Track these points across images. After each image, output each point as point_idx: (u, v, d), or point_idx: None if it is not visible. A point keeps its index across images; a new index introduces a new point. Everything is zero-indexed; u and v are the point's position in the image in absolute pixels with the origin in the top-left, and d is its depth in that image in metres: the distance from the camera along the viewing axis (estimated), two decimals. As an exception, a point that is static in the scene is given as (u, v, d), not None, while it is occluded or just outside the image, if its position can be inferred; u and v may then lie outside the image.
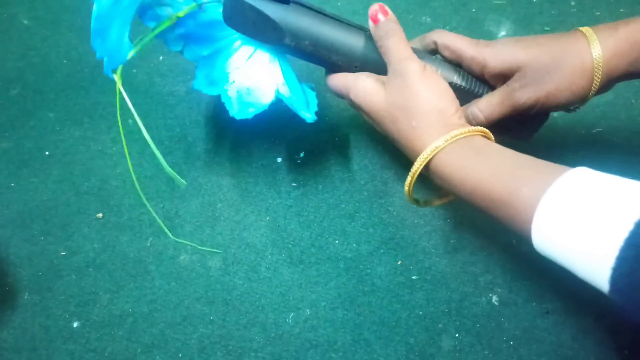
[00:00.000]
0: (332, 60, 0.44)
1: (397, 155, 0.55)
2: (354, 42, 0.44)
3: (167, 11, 0.46)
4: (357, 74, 0.44)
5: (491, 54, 0.43)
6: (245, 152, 0.56)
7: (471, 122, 0.44)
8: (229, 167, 0.55)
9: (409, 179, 0.41)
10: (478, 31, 0.64)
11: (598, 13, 0.65)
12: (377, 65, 0.44)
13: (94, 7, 0.40)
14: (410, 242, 0.51)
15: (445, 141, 0.39)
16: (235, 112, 0.46)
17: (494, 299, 0.48)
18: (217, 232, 0.51)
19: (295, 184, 0.54)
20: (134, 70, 0.61)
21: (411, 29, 0.65)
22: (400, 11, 0.66)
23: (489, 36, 0.64)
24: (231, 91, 0.47)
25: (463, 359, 0.45)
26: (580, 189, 0.32)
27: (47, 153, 0.56)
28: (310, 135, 0.57)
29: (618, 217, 0.30)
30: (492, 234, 0.51)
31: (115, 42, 0.43)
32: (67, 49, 0.64)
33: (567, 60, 0.41)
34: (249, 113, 0.45)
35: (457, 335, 0.46)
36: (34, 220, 0.52)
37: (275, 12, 0.43)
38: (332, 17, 0.44)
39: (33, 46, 0.64)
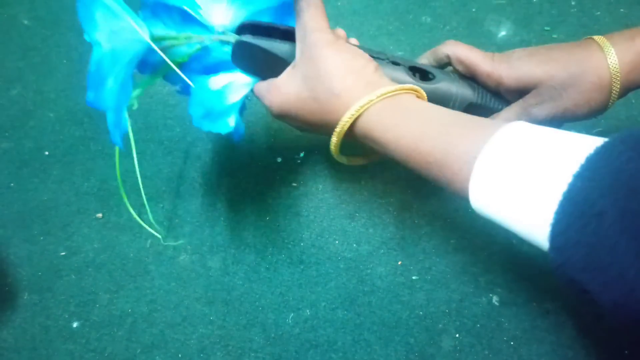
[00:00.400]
0: None
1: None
2: None
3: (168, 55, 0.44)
4: (271, 80, 0.42)
5: (507, 71, 0.42)
6: (245, 152, 0.56)
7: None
8: (229, 167, 0.55)
9: (333, 139, 0.40)
10: (478, 31, 0.64)
11: (598, 13, 0.65)
12: None
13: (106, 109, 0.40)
14: (410, 242, 0.51)
15: (370, 101, 0.37)
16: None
17: (494, 299, 0.48)
18: (217, 232, 0.51)
19: (295, 184, 0.54)
20: (134, 70, 0.61)
21: (411, 29, 0.65)
22: (401, 11, 0.66)
23: (489, 36, 0.64)
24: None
25: (463, 359, 0.45)
26: (518, 144, 0.31)
27: (47, 153, 0.56)
28: (310, 135, 0.57)
29: (556, 171, 0.29)
30: (492, 234, 0.51)
31: (114, 121, 0.41)
32: (67, 49, 0.64)
33: (585, 76, 0.40)
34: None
35: (457, 335, 0.46)
36: (34, 220, 0.52)
37: (285, 51, 0.42)
38: None
39: (33, 46, 0.64)
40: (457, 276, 0.49)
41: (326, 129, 0.41)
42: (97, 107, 0.41)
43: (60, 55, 0.63)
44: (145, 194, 0.53)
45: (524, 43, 0.63)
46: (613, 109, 0.57)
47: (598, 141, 0.29)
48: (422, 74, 0.45)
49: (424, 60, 0.47)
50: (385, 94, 0.37)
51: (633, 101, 0.58)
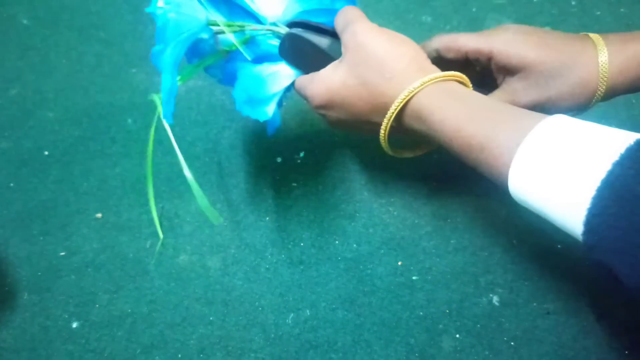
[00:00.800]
0: None
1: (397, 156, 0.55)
2: None
3: (216, 46, 0.46)
4: (314, 74, 0.43)
5: (500, 47, 0.42)
6: (245, 152, 0.56)
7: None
8: (229, 167, 0.55)
9: (385, 122, 0.40)
10: (478, 30, 0.64)
11: (598, 13, 0.65)
12: None
13: (164, 79, 0.41)
14: (410, 242, 0.50)
15: (423, 83, 0.38)
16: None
17: (495, 299, 0.48)
18: (216, 232, 0.51)
19: (295, 184, 0.54)
20: (134, 70, 0.61)
21: (411, 29, 0.65)
22: (401, 10, 0.66)
23: (489, 36, 0.63)
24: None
25: (464, 359, 0.45)
26: (558, 135, 0.32)
27: (46, 153, 0.56)
28: (310, 135, 0.57)
29: (596, 159, 0.30)
30: (492, 234, 0.51)
31: (170, 86, 0.42)
32: (66, 48, 0.64)
33: (574, 69, 0.41)
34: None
35: (457, 335, 0.46)
36: (33, 220, 0.52)
37: (332, 48, 0.43)
38: None
39: (33, 46, 0.64)
40: (457, 276, 0.49)
41: (373, 115, 0.41)
42: (156, 64, 0.42)
43: (60, 55, 0.63)
44: (145, 194, 0.53)
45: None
46: (613, 109, 0.57)
47: (638, 135, 0.30)
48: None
49: None
50: (437, 77, 0.38)
51: (633, 101, 0.58)
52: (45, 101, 0.60)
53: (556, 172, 0.31)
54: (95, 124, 0.58)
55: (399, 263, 0.49)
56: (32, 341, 0.46)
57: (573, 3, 0.66)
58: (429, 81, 0.38)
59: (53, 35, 0.65)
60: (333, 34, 0.44)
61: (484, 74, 0.45)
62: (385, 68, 0.39)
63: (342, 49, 0.41)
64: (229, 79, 0.47)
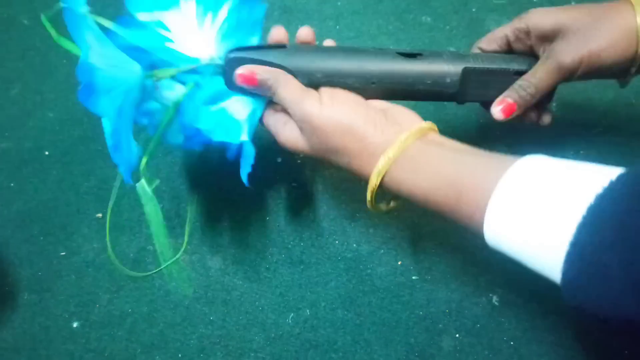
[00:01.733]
0: (348, 84, 0.42)
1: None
2: (365, 62, 0.42)
3: (163, 99, 0.43)
4: (285, 120, 0.42)
5: (533, 19, 0.43)
6: (245, 152, 0.56)
7: (523, 96, 0.43)
8: (229, 167, 0.55)
9: (368, 195, 0.40)
10: (478, 31, 0.64)
11: (598, 13, 0.65)
12: (394, 78, 0.42)
13: (105, 125, 0.39)
14: (410, 242, 0.51)
15: (379, 172, 0.38)
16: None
17: (495, 299, 0.48)
18: (217, 232, 0.51)
19: (295, 184, 0.54)
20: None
21: (411, 29, 0.65)
22: (401, 11, 0.66)
23: (489, 36, 0.64)
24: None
25: (463, 359, 0.45)
26: (529, 179, 0.32)
27: (46, 153, 0.56)
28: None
29: (570, 203, 0.29)
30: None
31: (126, 150, 0.41)
32: (66, 49, 0.64)
33: (610, 19, 0.41)
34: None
35: (457, 335, 0.46)
36: (33, 220, 0.52)
37: (278, 58, 0.41)
38: (332, 47, 0.44)
39: (33, 46, 0.64)
40: (457, 276, 0.49)
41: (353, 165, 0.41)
42: (92, 109, 0.40)
43: (60, 55, 0.63)
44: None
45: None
46: (613, 109, 0.57)
47: (605, 180, 0.29)
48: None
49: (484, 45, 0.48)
50: (391, 157, 0.38)
51: (633, 101, 0.58)
52: (45, 101, 0.60)
53: (530, 221, 0.31)
54: (96, 124, 0.58)
55: (399, 263, 0.49)
56: (33, 341, 0.47)
57: (573, 3, 0.66)
58: (382, 165, 0.38)
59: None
60: (275, 46, 0.42)
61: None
62: (340, 152, 0.39)
63: (297, 123, 0.41)
64: (191, 138, 0.44)
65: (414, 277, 0.49)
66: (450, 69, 0.43)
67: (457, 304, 0.47)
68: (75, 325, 0.47)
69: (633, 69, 0.42)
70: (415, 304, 0.47)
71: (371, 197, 0.40)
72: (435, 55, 0.44)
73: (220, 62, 0.42)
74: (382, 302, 0.48)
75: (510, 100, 0.43)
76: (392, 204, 0.43)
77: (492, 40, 0.46)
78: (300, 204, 0.53)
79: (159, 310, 0.48)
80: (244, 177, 0.44)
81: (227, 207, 0.53)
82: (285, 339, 0.46)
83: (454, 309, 0.47)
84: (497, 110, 0.43)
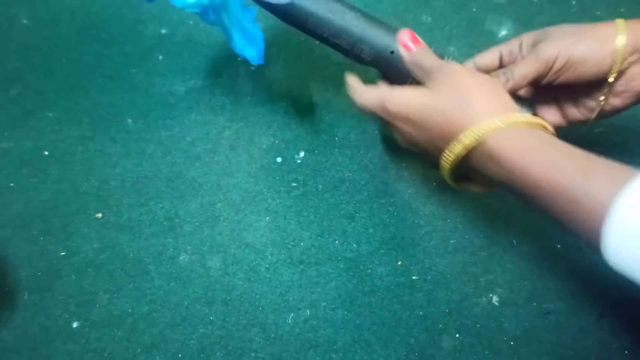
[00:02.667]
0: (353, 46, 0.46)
1: (397, 156, 0.55)
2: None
3: None
4: (391, 87, 0.43)
5: (526, 35, 0.46)
6: (245, 152, 0.56)
7: (502, 81, 0.44)
8: (228, 167, 0.55)
9: (457, 148, 0.38)
10: (478, 31, 0.64)
11: (598, 13, 0.65)
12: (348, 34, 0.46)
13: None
14: (410, 242, 0.51)
15: (505, 123, 0.36)
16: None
17: (495, 299, 0.48)
18: (216, 232, 0.51)
19: (295, 184, 0.54)
20: (134, 70, 0.61)
21: (411, 28, 0.65)
22: (401, 10, 0.66)
23: (489, 36, 0.64)
24: None
25: (463, 359, 0.45)
26: None
27: (46, 153, 0.56)
28: (310, 135, 0.57)
29: None
30: (492, 234, 0.51)
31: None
32: (67, 49, 0.64)
33: (592, 29, 0.42)
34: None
35: (457, 335, 0.46)
36: (33, 220, 0.52)
37: None
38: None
39: (33, 46, 0.64)
40: (457, 276, 0.49)
41: (445, 144, 0.39)
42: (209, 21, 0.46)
43: (60, 55, 0.63)
44: (145, 194, 0.53)
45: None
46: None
47: None
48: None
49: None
50: (520, 120, 0.36)
51: (633, 101, 0.57)
52: (45, 101, 0.60)
53: None
54: (96, 124, 0.58)
55: (399, 263, 0.49)
56: (33, 341, 0.47)
57: (573, 3, 0.66)
58: (513, 122, 0.36)
59: (53, 36, 0.65)
60: None
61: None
62: (469, 103, 0.38)
63: (433, 78, 0.41)
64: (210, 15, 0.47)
65: (414, 277, 0.49)
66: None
67: (457, 304, 0.47)
68: (75, 325, 0.47)
69: (601, 96, 0.44)
70: (415, 304, 0.47)
71: (455, 159, 0.38)
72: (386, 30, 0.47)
73: None
74: (382, 302, 0.48)
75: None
76: (475, 187, 0.42)
77: (487, 54, 0.47)
78: (300, 204, 0.53)
79: (159, 310, 0.48)
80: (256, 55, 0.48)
81: (227, 207, 0.53)
82: (286, 339, 0.46)
83: (454, 308, 0.47)
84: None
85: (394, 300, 0.48)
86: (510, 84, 0.44)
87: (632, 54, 0.42)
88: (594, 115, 0.46)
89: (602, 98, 0.45)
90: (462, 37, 0.63)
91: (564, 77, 0.43)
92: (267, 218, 0.52)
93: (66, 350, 0.46)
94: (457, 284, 0.48)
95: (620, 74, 0.43)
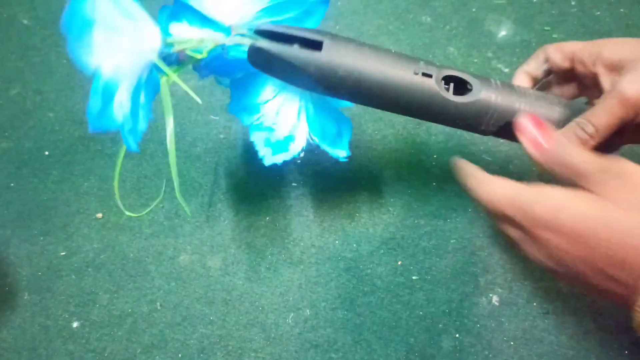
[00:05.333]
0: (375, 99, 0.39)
1: (398, 156, 0.55)
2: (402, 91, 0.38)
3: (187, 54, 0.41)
4: (531, 184, 0.33)
5: (606, 43, 0.37)
6: (245, 152, 0.56)
7: (581, 136, 0.36)
8: (228, 168, 0.55)
9: None
10: (478, 31, 0.64)
11: (598, 13, 0.65)
12: (431, 111, 0.39)
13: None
14: (410, 242, 0.51)
15: None
16: (264, 155, 0.44)
17: (494, 299, 0.48)
18: (217, 232, 0.51)
19: (295, 184, 0.54)
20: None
21: (411, 29, 0.65)
22: (401, 10, 0.66)
23: (489, 36, 0.64)
24: (259, 134, 0.45)
25: (463, 359, 0.45)
26: None
27: (46, 153, 0.56)
28: (310, 135, 0.57)
29: None
30: (492, 234, 0.51)
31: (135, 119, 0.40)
32: (67, 49, 0.64)
33: None
34: (278, 160, 0.44)
35: (457, 335, 0.46)
36: (33, 220, 0.52)
37: (301, 60, 0.38)
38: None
39: (33, 46, 0.64)
40: (457, 276, 0.49)
41: (616, 271, 0.30)
42: (103, 130, 0.39)
43: (60, 55, 0.63)
44: (145, 194, 0.53)
45: (524, 43, 0.63)
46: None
47: None
48: (457, 84, 0.40)
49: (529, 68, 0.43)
50: None
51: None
52: (45, 101, 0.60)
53: None
54: (96, 124, 0.58)
55: (399, 263, 0.50)
56: (33, 341, 0.47)
57: (573, 3, 0.66)
58: None
59: (53, 35, 0.65)
60: (304, 39, 0.39)
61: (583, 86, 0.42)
62: None
63: (596, 181, 0.32)
64: (205, 73, 0.45)
65: (414, 277, 0.49)
66: (496, 106, 0.39)
67: (457, 304, 0.47)
68: (75, 325, 0.47)
69: None
70: (415, 304, 0.48)
71: None
72: (486, 86, 0.39)
73: (248, 37, 0.40)
74: (382, 302, 0.48)
75: None
76: None
77: (558, 49, 0.40)
78: (300, 204, 0.53)
79: (159, 310, 0.48)
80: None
81: (227, 207, 0.53)
82: (285, 339, 0.46)
83: (454, 308, 0.47)
84: None
85: (394, 300, 0.48)
86: (596, 141, 0.36)
87: None
88: None
89: None
90: (462, 37, 0.64)
91: None
92: (267, 218, 0.52)
93: (66, 350, 0.46)
94: (457, 284, 0.48)
95: None
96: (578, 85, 0.42)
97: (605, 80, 0.38)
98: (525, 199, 0.33)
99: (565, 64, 0.40)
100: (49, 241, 0.51)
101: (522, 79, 0.43)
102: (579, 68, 0.40)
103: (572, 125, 0.36)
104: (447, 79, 0.39)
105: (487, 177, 0.36)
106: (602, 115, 0.35)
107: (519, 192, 0.33)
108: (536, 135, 0.34)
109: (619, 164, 0.32)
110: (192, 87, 0.60)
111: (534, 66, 0.43)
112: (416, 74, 0.39)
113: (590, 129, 0.36)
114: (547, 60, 0.42)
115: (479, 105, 0.39)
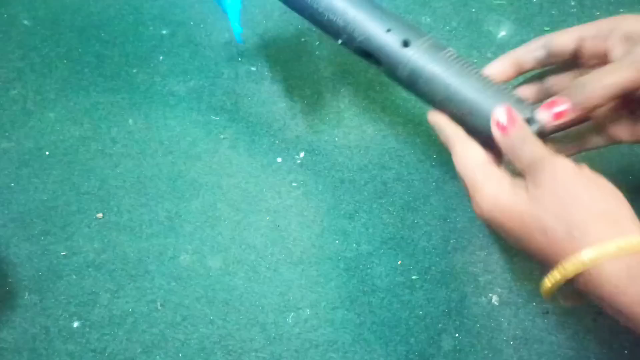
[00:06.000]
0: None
1: (398, 155, 0.55)
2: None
3: None
4: (485, 173, 0.36)
5: (625, 17, 0.36)
6: (245, 152, 0.56)
7: (579, 102, 0.35)
8: (229, 167, 0.55)
9: (551, 280, 0.33)
10: (478, 31, 0.64)
11: (598, 13, 0.65)
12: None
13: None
14: (410, 242, 0.51)
15: (618, 253, 0.30)
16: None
17: (494, 299, 0.48)
18: (217, 232, 0.51)
19: (295, 184, 0.54)
20: (134, 71, 0.61)
21: (411, 29, 0.65)
22: (401, 11, 0.66)
23: (489, 36, 0.64)
24: None
25: (463, 359, 0.45)
26: None
27: (47, 153, 0.56)
28: (310, 135, 0.57)
29: None
30: (492, 234, 0.51)
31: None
32: (67, 49, 0.64)
33: None
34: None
35: (457, 335, 0.46)
36: (34, 220, 0.52)
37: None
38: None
39: (33, 46, 0.64)
40: (456, 276, 0.49)
41: (540, 257, 0.34)
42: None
43: (60, 55, 0.63)
44: (145, 194, 0.54)
45: (524, 43, 0.63)
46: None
47: None
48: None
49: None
50: (633, 247, 0.30)
51: (633, 101, 0.58)
52: (45, 101, 0.60)
53: None
54: (96, 124, 0.58)
55: (399, 263, 0.50)
56: (33, 341, 0.47)
57: (572, 3, 0.66)
58: (626, 250, 0.30)
59: (53, 36, 0.65)
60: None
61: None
62: (575, 226, 0.32)
63: (532, 177, 0.34)
64: None
65: (414, 277, 0.49)
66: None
67: (456, 304, 0.48)
68: (75, 325, 0.47)
69: None
70: (415, 304, 0.48)
71: (554, 286, 0.33)
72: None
73: None
74: (382, 301, 0.48)
75: (563, 101, 0.36)
76: (572, 300, 0.36)
77: (562, 32, 0.39)
78: (300, 204, 0.53)
79: (159, 310, 0.48)
80: (236, 34, 0.47)
81: (227, 207, 0.53)
82: (286, 339, 0.46)
83: (454, 308, 0.47)
84: (545, 114, 0.36)
85: (393, 300, 0.48)
86: (597, 100, 0.35)
87: None
88: None
89: None
90: (462, 37, 0.64)
91: None
92: (267, 218, 0.52)
93: (66, 350, 0.46)
94: (456, 284, 0.48)
95: None
96: (575, 74, 0.40)
97: (618, 51, 0.36)
98: (480, 176, 0.36)
99: (570, 46, 0.38)
100: (49, 241, 0.51)
101: (501, 64, 0.41)
102: (587, 45, 0.38)
103: (572, 84, 0.36)
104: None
105: (463, 145, 0.37)
106: (610, 74, 0.34)
107: (477, 168, 0.36)
108: (504, 121, 0.36)
109: (554, 164, 0.33)
110: (192, 87, 0.60)
111: (522, 52, 0.41)
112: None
113: (591, 87, 0.35)
114: (546, 45, 0.39)
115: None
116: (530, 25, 0.64)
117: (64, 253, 0.51)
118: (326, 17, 0.41)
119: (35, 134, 0.57)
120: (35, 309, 0.48)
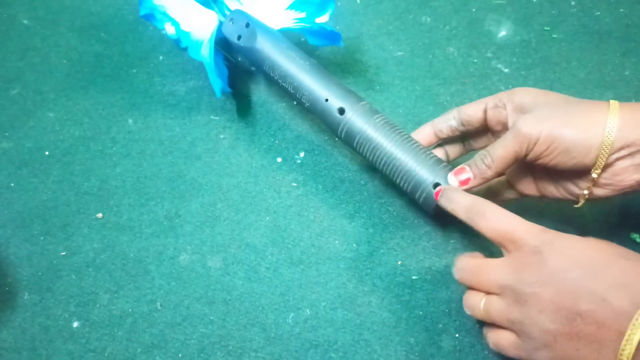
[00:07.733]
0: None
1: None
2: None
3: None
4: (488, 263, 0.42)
5: (516, 93, 0.44)
6: (245, 152, 0.56)
7: (480, 167, 0.43)
8: (229, 167, 0.55)
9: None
10: (478, 31, 0.64)
11: (598, 13, 0.65)
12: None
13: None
14: (410, 242, 0.51)
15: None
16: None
17: (494, 299, 0.48)
18: (217, 232, 0.51)
19: (295, 184, 0.54)
20: (134, 70, 0.62)
21: (411, 29, 0.65)
22: (400, 11, 0.66)
23: (489, 36, 0.64)
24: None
25: (463, 359, 0.45)
26: None
27: (46, 153, 0.56)
28: (310, 135, 0.57)
29: None
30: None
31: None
32: (67, 49, 0.64)
33: (581, 113, 0.40)
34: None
35: (457, 335, 0.46)
36: (33, 220, 0.52)
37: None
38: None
39: (33, 46, 0.64)
40: (457, 276, 0.49)
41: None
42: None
43: (60, 55, 0.63)
44: (145, 194, 0.54)
45: (524, 43, 0.63)
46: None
47: None
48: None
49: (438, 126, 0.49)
50: None
51: (633, 101, 0.58)
52: (45, 101, 0.60)
53: None
54: (96, 124, 0.58)
55: (399, 263, 0.50)
56: (33, 341, 0.47)
57: (573, 3, 0.66)
58: None
59: (53, 36, 0.65)
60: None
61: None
62: (605, 297, 0.33)
63: (512, 259, 0.40)
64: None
65: (414, 277, 0.49)
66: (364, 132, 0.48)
67: (456, 304, 0.48)
68: (75, 325, 0.47)
69: (584, 186, 0.42)
70: (415, 304, 0.48)
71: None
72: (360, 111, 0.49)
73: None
74: (382, 301, 0.48)
75: (467, 171, 0.44)
76: None
77: (471, 104, 0.47)
78: (300, 204, 0.53)
79: (159, 310, 0.48)
80: (216, 89, 0.54)
81: (227, 207, 0.53)
82: (286, 339, 0.46)
83: (454, 308, 0.47)
84: (453, 179, 0.44)
85: (393, 300, 0.48)
86: (493, 171, 0.42)
87: (620, 149, 0.39)
88: (578, 200, 0.44)
89: (585, 191, 0.42)
90: (462, 37, 0.64)
91: (542, 161, 0.41)
92: (267, 218, 0.52)
93: (66, 350, 0.46)
94: (457, 284, 0.48)
95: (606, 166, 0.40)
96: (489, 139, 0.48)
97: (511, 120, 0.44)
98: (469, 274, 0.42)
99: (478, 115, 0.46)
100: (49, 241, 0.51)
101: (424, 132, 0.49)
102: (490, 115, 0.45)
103: (476, 156, 0.44)
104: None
105: (493, 206, 0.41)
106: (499, 148, 0.42)
107: (474, 263, 0.42)
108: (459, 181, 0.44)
109: (557, 242, 0.37)
110: (192, 87, 0.60)
111: (439, 121, 0.48)
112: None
113: (487, 160, 0.42)
114: (456, 116, 0.47)
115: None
116: (530, 25, 0.64)
117: (64, 253, 0.51)
118: (280, 83, 0.52)
119: (35, 134, 0.57)
120: (35, 309, 0.48)
